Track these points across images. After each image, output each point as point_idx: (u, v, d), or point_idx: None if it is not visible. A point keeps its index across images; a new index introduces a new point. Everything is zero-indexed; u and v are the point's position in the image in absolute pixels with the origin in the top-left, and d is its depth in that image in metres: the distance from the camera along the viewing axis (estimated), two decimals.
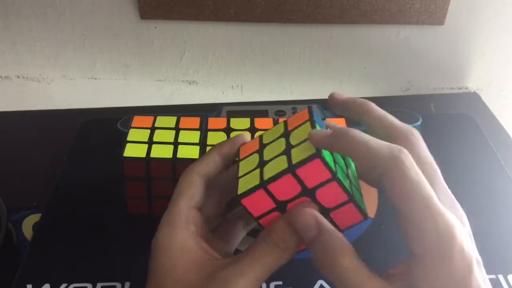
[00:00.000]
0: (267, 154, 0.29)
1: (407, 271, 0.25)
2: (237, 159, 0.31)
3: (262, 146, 0.30)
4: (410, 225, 0.24)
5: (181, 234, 0.28)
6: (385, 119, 0.30)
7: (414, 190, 0.24)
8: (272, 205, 0.27)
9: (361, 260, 0.25)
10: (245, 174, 0.28)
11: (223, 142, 0.32)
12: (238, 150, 0.32)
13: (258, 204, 0.27)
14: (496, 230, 0.45)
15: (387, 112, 0.30)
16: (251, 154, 0.30)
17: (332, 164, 0.26)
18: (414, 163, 0.25)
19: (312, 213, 0.26)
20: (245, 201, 0.27)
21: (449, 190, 0.28)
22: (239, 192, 0.27)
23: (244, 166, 0.29)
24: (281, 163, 0.27)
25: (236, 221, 0.33)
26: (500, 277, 0.40)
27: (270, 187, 0.26)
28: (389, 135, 0.29)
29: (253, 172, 0.28)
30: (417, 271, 0.24)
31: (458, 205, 0.27)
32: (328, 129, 0.27)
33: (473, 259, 0.24)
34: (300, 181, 0.26)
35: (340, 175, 0.26)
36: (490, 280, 0.40)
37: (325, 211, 0.27)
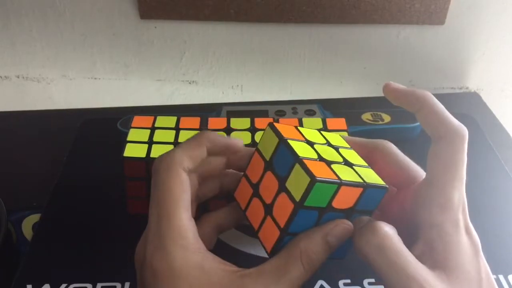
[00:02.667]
0: (324, 154, 0.28)
1: (427, 249, 0.27)
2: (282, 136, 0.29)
3: (308, 141, 0.29)
4: (440, 192, 0.27)
5: (196, 255, 0.26)
6: (436, 115, 0.28)
7: (460, 166, 0.28)
8: (324, 203, 0.26)
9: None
10: (309, 159, 0.27)
11: (213, 134, 0.31)
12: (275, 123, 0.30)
13: (319, 196, 0.26)
14: (496, 230, 0.45)
15: (443, 107, 0.29)
16: (298, 140, 0.29)
17: None
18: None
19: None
20: (317, 186, 0.25)
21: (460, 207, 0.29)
22: (317, 175, 0.25)
23: (298, 147, 0.28)
24: (352, 175, 0.27)
25: (212, 219, 0.31)
26: (501, 277, 0.40)
27: (342, 189, 0.26)
28: (436, 133, 0.28)
29: (320, 163, 0.27)
30: (438, 242, 0.26)
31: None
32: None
33: (479, 242, 0.27)
34: (358, 199, 0.27)
35: None
36: None
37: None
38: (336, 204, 0.27)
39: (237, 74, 0.71)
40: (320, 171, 0.26)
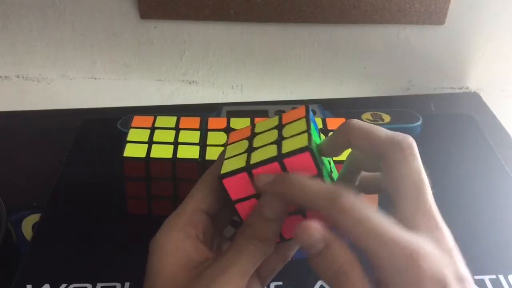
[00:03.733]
0: (257, 142, 0.29)
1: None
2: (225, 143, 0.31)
3: (253, 134, 0.30)
4: (373, 263, 0.23)
5: (177, 235, 0.27)
6: (368, 136, 0.26)
7: (369, 227, 0.23)
8: (252, 191, 0.27)
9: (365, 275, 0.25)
10: (231, 157, 0.28)
11: None
12: (228, 135, 0.31)
13: (238, 187, 0.27)
14: (496, 230, 0.45)
15: (372, 125, 0.26)
16: (240, 140, 0.30)
17: (320, 162, 0.26)
18: (358, 210, 0.23)
19: (318, 226, 0.24)
20: (226, 182, 0.27)
21: (433, 208, 0.25)
22: (221, 172, 0.27)
23: (231, 150, 0.29)
24: (270, 151, 0.27)
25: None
26: (501, 277, 0.40)
27: (254, 172, 0.26)
28: (376, 152, 0.26)
29: (240, 156, 0.28)
30: None
31: (441, 224, 0.25)
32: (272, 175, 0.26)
33: (448, 281, 0.22)
34: (285, 171, 0.26)
35: (325, 174, 0.26)
36: (490, 280, 0.40)
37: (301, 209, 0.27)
38: None
39: (237, 74, 0.71)
40: (230, 166, 0.27)
